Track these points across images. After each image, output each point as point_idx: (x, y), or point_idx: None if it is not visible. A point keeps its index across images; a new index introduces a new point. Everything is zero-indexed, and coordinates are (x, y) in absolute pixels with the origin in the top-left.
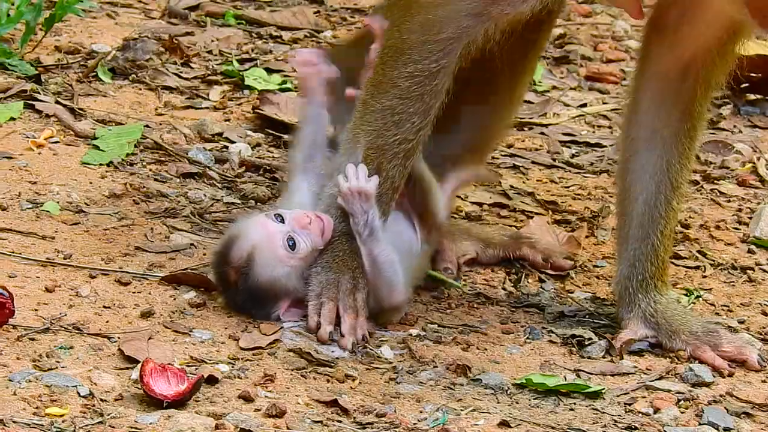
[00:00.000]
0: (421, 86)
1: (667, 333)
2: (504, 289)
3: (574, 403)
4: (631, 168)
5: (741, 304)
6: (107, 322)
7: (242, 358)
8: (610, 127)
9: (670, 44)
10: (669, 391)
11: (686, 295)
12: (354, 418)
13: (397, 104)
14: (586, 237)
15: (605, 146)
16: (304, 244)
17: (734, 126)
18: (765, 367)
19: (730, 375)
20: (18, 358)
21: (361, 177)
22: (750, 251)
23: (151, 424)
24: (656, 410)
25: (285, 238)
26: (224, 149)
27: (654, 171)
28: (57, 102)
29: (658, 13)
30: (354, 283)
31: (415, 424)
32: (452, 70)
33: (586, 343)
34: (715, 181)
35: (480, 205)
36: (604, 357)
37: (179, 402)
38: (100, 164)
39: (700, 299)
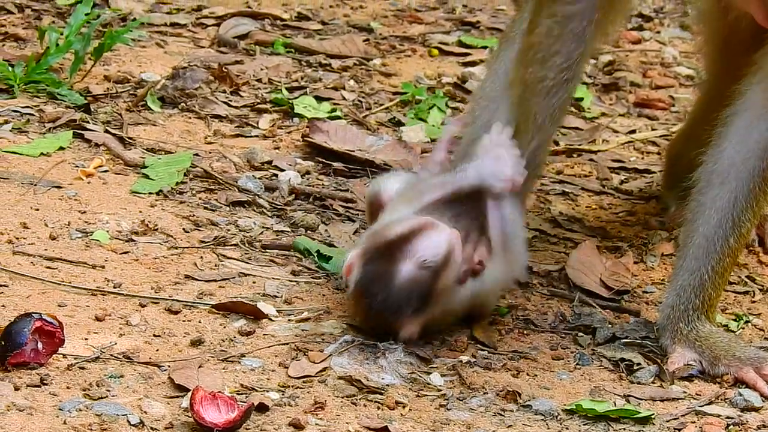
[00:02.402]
0: (561, 27)
1: (709, 359)
2: (554, 314)
3: (624, 429)
4: (701, 200)
5: None
6: (157, 350)
7: (292, 386)
8: (658, 153)
9: None
10: (719, 416)
11: (735, 320)
12: None
13: (540, 41)
14: (635, 263)
15: (654, 172)
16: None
17: None
18: None
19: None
20: (68, 387)
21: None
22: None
23: None
24: None
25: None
26: (274, 177)
27: (720, 206)
28: (106, 131)
29: None
30: None
31: None
32: (593, 18)
33: (635, 367)
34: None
35: (530, 230)
36: (653, 382)
37: (230, 430)
38: (150, 193)
39: (749, 324)
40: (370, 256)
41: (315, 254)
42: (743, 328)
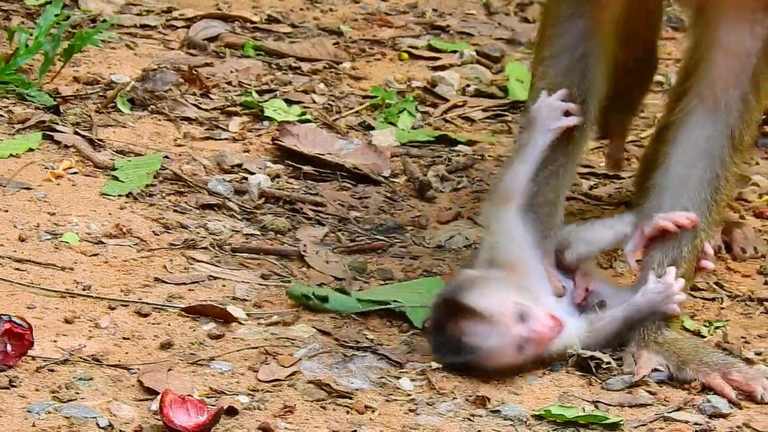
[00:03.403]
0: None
1: (676, 364)
2: None
3: None
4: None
5: (758, 335)
6: (126, 353)
7: (262, 390)
8: (627, 159)
9: None
10: (687, 422)
11: (706, 326)
12: None
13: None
14: (605, 268)
15: (623, 178)
16: (530, 350)
17: (751, 158)
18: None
19: (738, 406)
20: (37, 390)
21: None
22: (767, 283)
23: None
24: None
25: (517, 344)
26: (244, 180)
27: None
28: (76, 133)
29: None
30: None
31: None
32: None
33: (604, 366)
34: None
35: None
36: (622, 389)
37: None
38: (119, 195)
39: (718, 330)
40: None
41: (314, 297)
42: (713, 334)
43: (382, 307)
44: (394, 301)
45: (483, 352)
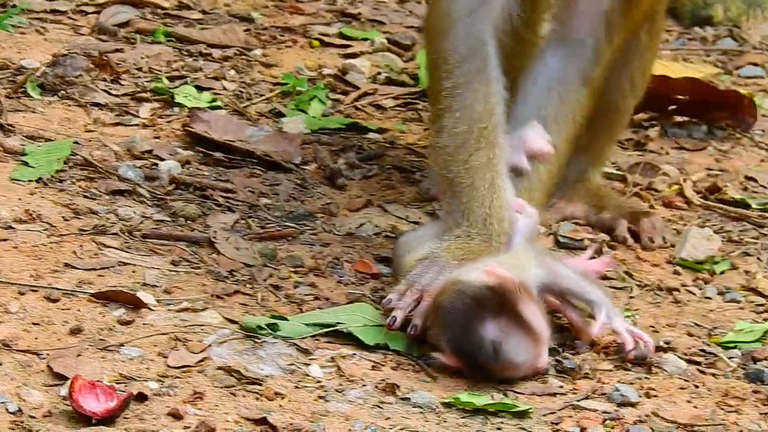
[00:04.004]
0: None
1: (596, 210)
2: None
3: (502, 422)
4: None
5: (667, 324)
6: (36, 338)
7: (171, 376)
8: None
9: None
10: (595, 410)
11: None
12: None
13: None
14: None
15: None
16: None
17: (661, 148)
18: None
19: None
20: None
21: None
22: (676, 272)
23: None
24: (583, 429)
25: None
26: (154, 167)
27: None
28: None
29: None
30: None
31: None
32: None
33: None
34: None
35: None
36: (532, 377)
37: (108, 419)
38: (29, 180)
39: (629, 319)
40: None
41: (267, 327)
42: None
43: (331, 329)
44: (339, 323)
45: (506, 363)
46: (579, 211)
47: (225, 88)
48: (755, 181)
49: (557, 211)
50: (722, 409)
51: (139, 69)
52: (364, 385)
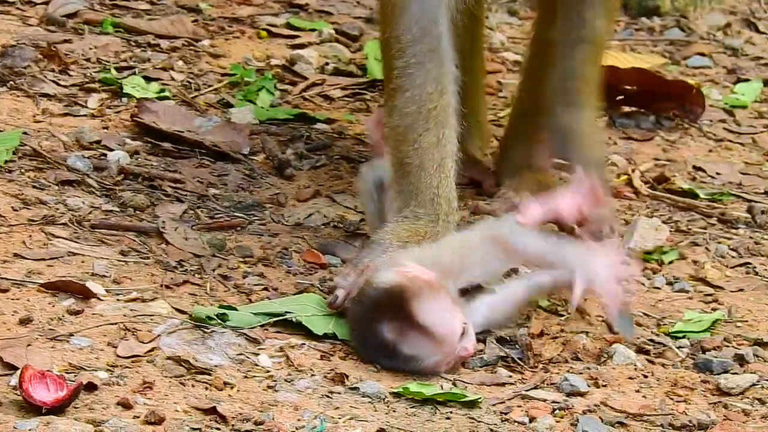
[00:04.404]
0: None
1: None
2: None
3: (451, 412)
4: None
5: None
6: None
7: (121, 366)
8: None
9: None
10: (544, 400)
11: (561, 305)
12: (232, 425)
13: None
14: None
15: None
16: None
17: (609, 138)
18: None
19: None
20: None
21: None
22: (623, 262)
23: (30, 430)
24: (532, 419)
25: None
26: (103, 157)
27: None
28: None
29: None
30: None
31: (293, 431)
32: None
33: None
34: None
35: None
36: (482, 367)
37: (58, 408)
38: None
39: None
40: None
41: (216, 317)
42: (570, 312)
43: (280, 318)
44: (288, 312)
45: (419, 364)
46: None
47: (173, 79)
48: (703, 171)
49: (504, 200)
50: (671, 398)
51: (88, 60)
52: (313, 375)
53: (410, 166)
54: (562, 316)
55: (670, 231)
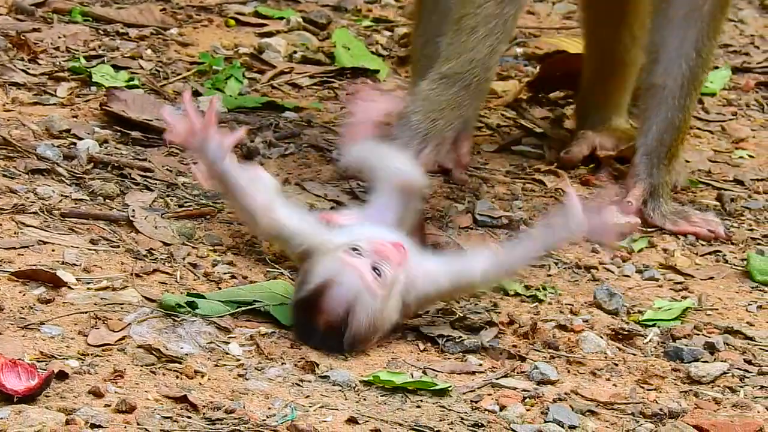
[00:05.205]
0: None
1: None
2: None
3: (421, 401)
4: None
5: (585, 302)
6: None
7: (92, 354)
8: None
9: None
10: (515, 388)
11: (539, 290)
12: (203, 414)
13: None
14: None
15: None
16: (388, 273)
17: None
18: (731, 236)
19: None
20: None
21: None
22: (593, 251)
23: (1, 419)
24: (502, 408)
25: (371, 271)
26: (72, 146)
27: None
28: None
29: None
30: None
31: (264, 420)
32: None
33: (457, 341)
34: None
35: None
36: (452, 354)
37: (30, 397)
38: None
39: (552, 295)
40: None
41: (185, 305)
42: (547, 297)
43: (249, 307)
44: (256, 300)
45: (357, 311)
46: (607, 141)
47: (142, 68)
48: None
49: (587, 139)
50: (642, 387)
51: (57, 48)
52: (283, 363)
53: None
54: (542, 301)
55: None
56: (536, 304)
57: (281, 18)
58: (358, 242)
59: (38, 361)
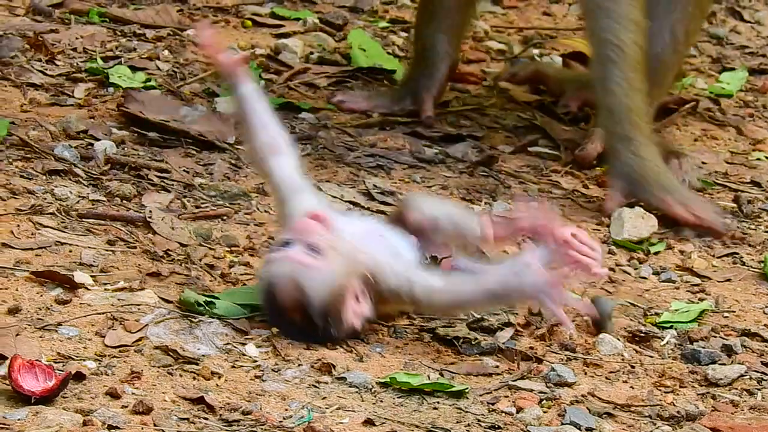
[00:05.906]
0: None
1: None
2: None
3: (438, 402)
4: None
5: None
6: None
7: (109, 355)
8: (471, 127)
9: None
10: (531, 390)
11: None
12: (220, 415)
13: None
14: None
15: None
16: (320, 243)
17: (596, 125)
18: (728, 232)
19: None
20: None
21: None
22: (610, 252)
23: (19, 420)
24: (519, 410)
25: (305, 251)
26: (89, 147)
27: None
28: None
29: None
30: None
31: (281, 421)
32: None
33: (473, 342)
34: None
35: (344, 201)
36: (469, 356)
37: (47, 398)
38: None
39: None
40: None
41: (204, 305)
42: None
43: None
44: None
45: (307, 288)
46: None
47: (159, 68)
48: None
49: (601, 136)
50: (659, 389)
51: (74, 49)
52: (300, 365)
53: None
54: None
55: (657, 220)
56: None
57: (298, 19)
58: (286, 236)
59: (55, 362)
